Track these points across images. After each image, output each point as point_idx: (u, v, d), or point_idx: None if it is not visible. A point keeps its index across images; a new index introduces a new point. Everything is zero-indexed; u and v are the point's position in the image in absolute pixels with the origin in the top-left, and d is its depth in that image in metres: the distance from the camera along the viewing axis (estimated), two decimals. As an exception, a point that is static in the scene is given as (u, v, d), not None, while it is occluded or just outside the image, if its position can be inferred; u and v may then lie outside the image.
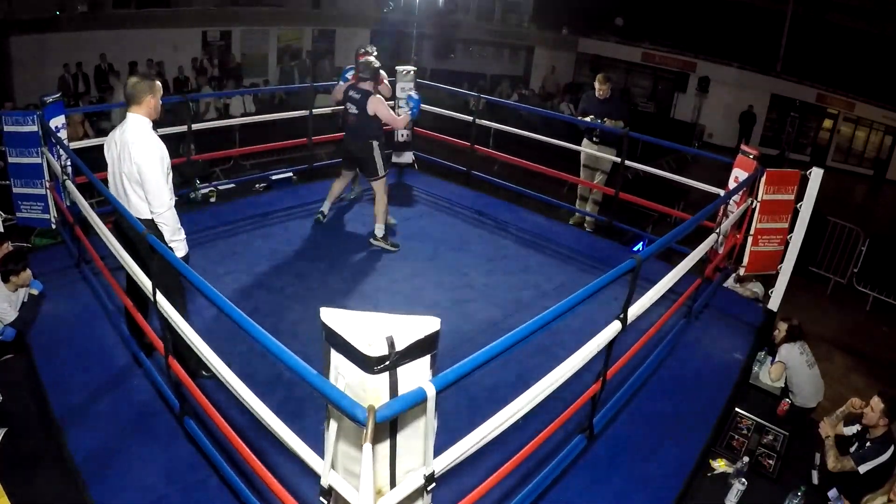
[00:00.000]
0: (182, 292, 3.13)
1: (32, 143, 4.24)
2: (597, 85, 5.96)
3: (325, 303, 1.60)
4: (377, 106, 4.59)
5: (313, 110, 5.90)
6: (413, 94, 4.86)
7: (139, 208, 3.04)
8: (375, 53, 4.89)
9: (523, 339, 2.00)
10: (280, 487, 2.09)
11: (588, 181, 6.17)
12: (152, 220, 3.03)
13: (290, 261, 4.64)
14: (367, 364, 1.55)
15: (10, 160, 4.35)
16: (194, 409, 2.79)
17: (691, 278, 3.71)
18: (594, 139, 6.01)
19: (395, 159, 6.46)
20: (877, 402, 3.41)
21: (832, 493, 3.21)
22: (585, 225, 6.15)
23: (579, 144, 6.12)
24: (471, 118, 6.18)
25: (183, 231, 3.12)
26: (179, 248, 3.11)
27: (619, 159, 5.60)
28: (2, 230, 4.27)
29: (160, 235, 3.00)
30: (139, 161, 2.94)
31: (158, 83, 3.12)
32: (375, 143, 4.68)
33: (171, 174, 3.11)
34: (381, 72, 4.97)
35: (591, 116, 5.89)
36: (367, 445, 1.46)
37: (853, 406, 3.70)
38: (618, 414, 3.23)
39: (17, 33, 11.53)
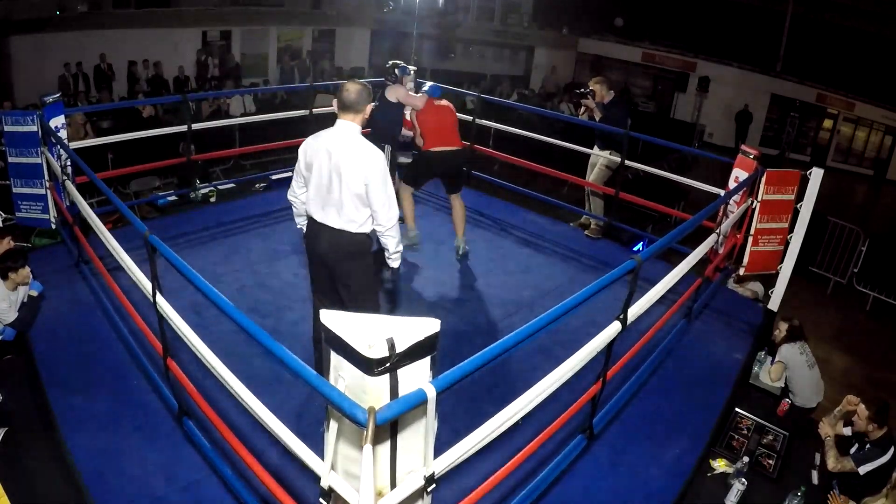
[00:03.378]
0: (377, 298, 3.15)
1: (32, 142, 4.24)
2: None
3: (324, 303, 1.61)
4: (394, 91, 4.66)
5: (313, 110, 5.89)
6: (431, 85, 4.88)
7: (357, 220, 2.86)
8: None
9: (523, 339, 2.00)
10: (279, 488, 2.08)
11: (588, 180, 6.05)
12: (363, 234, 2.90)
13: (290, 261, 4.63)
14: (368, 366, 1.56)
15: (10, 160, 4.35)
16: (193, 409, 2.79)
17: (691, 278, 3.71)
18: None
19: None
20: (862, 410, 3.42)
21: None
22: (588, 232, 5.87)
23: (582, 146, 6.05)
24: (471, 118, 6.17)
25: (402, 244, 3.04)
26: (396, 260, 3.05)
27: (609, 157, 5.60)
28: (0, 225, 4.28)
29: (361, 252, 2.92)
30: (369, 176, 2.76)
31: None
32: (387, 148, 4.62)
33: None
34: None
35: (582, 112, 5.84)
36: (368, 447, 1.46)
37: (849, 403, 3.70)
38: (618, 414, 3.23)
39: (17, 33, 11.52)
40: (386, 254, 3.06)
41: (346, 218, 2.85)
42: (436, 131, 4.75)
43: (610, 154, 5.65)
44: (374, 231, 2.95)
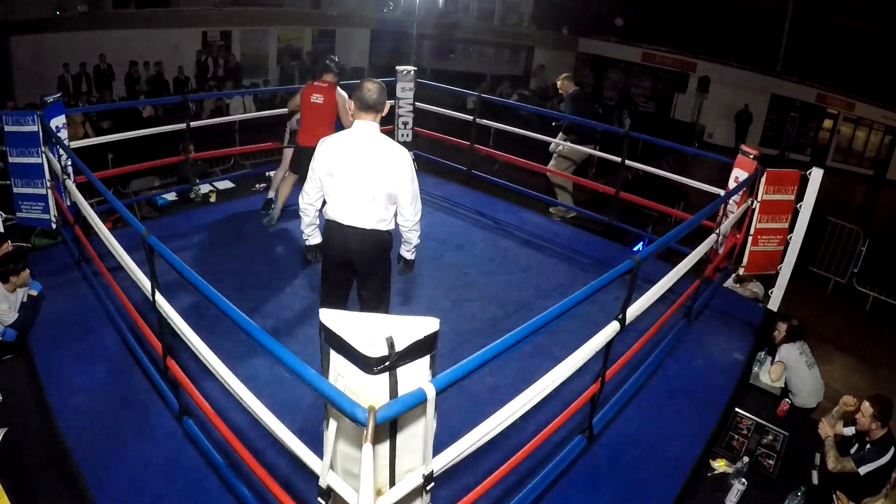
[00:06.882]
0: (389, 299, 3.19)
1: (33, 142, 4.24)
2: None
3: (324, 303, 1.62)
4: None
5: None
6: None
7: (386, 218, 2.88)
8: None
9: (523, 339, 2.00)
10: (279, 488, 2.09)
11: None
12: (389, 232, 2.94)
13: (290, 261, 4.63)
14: (367, 365, 1.56)
15: (11, 160, 4.35)
16: (193, 409, 2.79)
17: (691, 278, 3.71)
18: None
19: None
20: (866, 407, 3.42)
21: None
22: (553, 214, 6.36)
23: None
24: (471, 118, 6.17)
25: None
26: (414, 253, 3.16)
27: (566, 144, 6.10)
28: (1, 230, 4.28)
29: (387, 249, 2.96)
30: (401, 175, 2.78)
31: None
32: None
33: None
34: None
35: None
36: (368, 446, 1.46)
37: (846, 404, 3.70)
38: (617, 414, 3.23)
39: (17, 33, 11.53)
40: (405, 247, 3.13)
41: (377, 217, 2.85)
42: (307, 128, 4.69)
43: (565, 140, 6.10)
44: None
